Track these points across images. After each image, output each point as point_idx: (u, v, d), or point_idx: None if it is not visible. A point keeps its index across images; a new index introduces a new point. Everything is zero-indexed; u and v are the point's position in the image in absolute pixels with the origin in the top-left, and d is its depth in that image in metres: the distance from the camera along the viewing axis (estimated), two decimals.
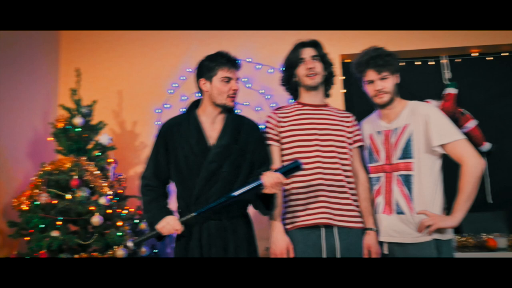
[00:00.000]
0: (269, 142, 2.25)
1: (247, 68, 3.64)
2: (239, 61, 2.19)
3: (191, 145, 2.09)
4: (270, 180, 1.92)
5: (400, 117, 2.21)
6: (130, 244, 2.06)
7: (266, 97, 3.58)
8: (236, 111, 2.28)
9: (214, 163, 2.06)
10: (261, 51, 3.64)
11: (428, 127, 2.11)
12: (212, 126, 2.15)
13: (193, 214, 1.97)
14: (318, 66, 2.26)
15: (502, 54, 3.64)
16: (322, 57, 2.30)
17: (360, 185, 2.25)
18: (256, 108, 3.54)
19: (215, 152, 2.07)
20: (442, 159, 2.17)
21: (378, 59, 2.19)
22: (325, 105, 2.34)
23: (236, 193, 1.95)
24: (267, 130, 2.28)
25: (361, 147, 2.32)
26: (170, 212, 2.05)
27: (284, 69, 2.36)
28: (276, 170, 1.94)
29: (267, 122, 2.30)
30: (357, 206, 2.21)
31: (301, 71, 2.27)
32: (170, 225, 1.98)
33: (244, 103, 3.57)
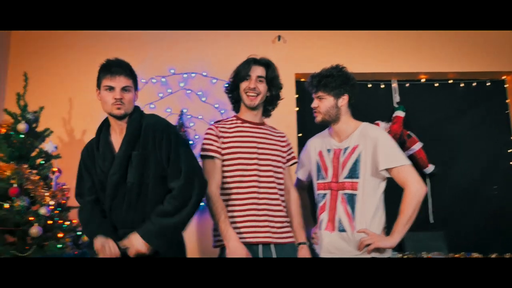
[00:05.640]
0: (211, 153, 2.19)
1: (203, 82, 3.65)
2: (127, 68, 2.04)
3: (100, 162, 2.02)
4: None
5: (351, 137, 2.25)
6: None
7: (221, 111, 3.58)
8: (141, 114, 2.12)
9: (115, 175, 1.96)
10: (217, 65, 3.65)
11: (376, 150, 2.16)
12: (119, 136, 2.04)
13: None
14: (261, 88, 2.25)
15: (449, 81, 3.82)
16: (270, 79, 2.28)
17: (293, 201, 2.32)
18: (211, 122, 3.53)
19: (115, 163, 1.97)
20: (387, 182, 2.22)
21: (314, 79, 2.26)
22: (263, 123, 2.35)
23: None
24: (209, 141, 2.21)
25: (293, 164, 2.39)
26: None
27: (232, 78, 2.33)
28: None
29: (208, 134, 2.24)
30: (288, 222, 2.26)
31: (243, 87, 2.25)
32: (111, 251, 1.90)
33: (199, 117, 3.57)
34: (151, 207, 1.95)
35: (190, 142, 3.43)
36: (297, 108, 3.66)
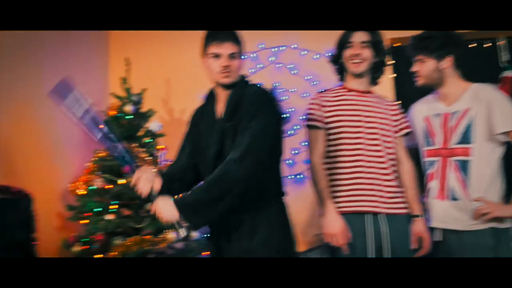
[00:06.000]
0: (313, 123, 2.18)
1: (293, 55, 3.62)
2: (234, 35, 1.91)
3: (203, 131, 1.98)
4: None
5: (461, 100, 2.12)
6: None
7: (313, 83, 3.54)
8: (245, 82, 1.97)
9: (213, 147, 1.87)
10: (306, 37, 3.59)
11: (492, 113, 2.01)
12: (222, 105, 1.93)
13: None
14: (366, 53, 2.16)
15: None
16: (375, 44, 2.19)
17: (406, 173, 2.19)
18: (303, 95, 3.51)
19: (214, 134, 1.89)
20: (505, 146, 2.06)
21: (414, 41, 2.17)
22: (370, 92, 2.27)
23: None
24: (311, 111, 2.21)
25: (406, 134, 2.26)
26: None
27: (335, 48, 2.28)
28: None
29: (311, 104, 2.23)
30: (401, 193, 2.16)
31: (347, 55, 2.19)
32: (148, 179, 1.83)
33: (291, 90, 3.56)
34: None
35: (285, 115, 3.44)
36: (394, 75, 3.51)
